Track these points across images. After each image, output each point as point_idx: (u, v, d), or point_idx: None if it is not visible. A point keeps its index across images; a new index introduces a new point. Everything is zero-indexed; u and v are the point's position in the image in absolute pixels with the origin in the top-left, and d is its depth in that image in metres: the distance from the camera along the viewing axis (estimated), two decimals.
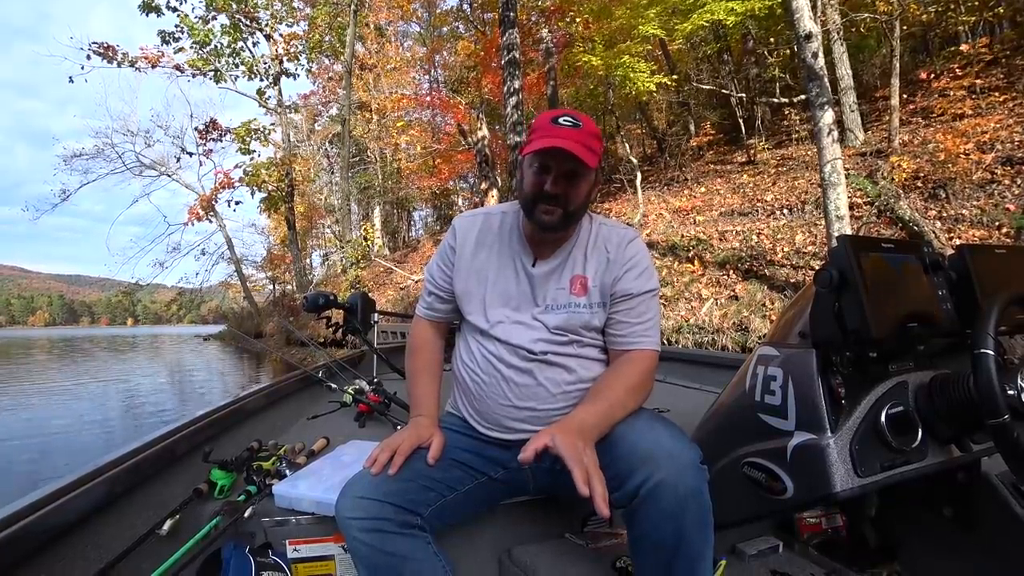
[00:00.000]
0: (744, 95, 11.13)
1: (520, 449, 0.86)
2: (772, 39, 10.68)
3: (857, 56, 10.17)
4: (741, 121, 10.60)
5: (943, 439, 0.89)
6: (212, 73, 15.28)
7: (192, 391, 10.35)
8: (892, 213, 6.13)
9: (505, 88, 8.33)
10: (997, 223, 5.37)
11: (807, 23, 5.51)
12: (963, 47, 7.79)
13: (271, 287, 25.54)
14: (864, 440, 0.83)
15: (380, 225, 20.19)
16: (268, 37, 15.91)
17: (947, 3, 8.23)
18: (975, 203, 5.75)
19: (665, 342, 6.17)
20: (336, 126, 17.72)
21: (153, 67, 15.49)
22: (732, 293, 6.46)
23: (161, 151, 22.52)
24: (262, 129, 16.33)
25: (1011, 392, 0.76)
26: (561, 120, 0.99)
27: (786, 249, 6.64)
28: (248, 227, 35.78)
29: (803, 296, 0.97)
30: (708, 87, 12.01)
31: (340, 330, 2.39)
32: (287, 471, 1.23)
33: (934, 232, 5.62)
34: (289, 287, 21.74)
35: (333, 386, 2.07)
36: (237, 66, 15.51)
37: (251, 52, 15.81)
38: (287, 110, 17.65)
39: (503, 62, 8.35)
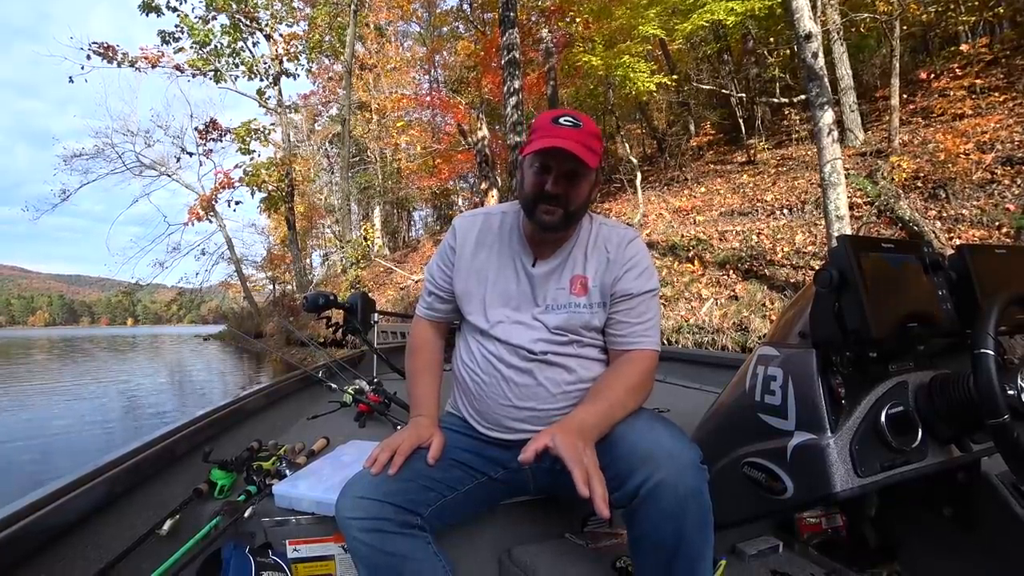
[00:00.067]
0: (744, 95, 11.12)
1: (520, 449, 0.86)
2: (772, 39, 10.68)
3: (857, 56, 10.16)
4: (741, 121, 10.60)
5: (943, 439, 0.89)
6: (212, 73, 15.28)
7: (192, 391, 10.34)
8: (892, 213, 6.13)
9: (505, 88, 8.32)
10: (997, 223, 5.37)
11: (807, 23, 5.51)
12: (963, 47, 7.80)
13: (271, 287, 25.56)
14: (864, 440, 0.83)
15: (380, 225, 20.18)
16: (268, 37, 15.91)
17: (947, 3, 8.24)
18: (975, 203, 5.75)
19: (665, 342, 6.16)
20: (336, 126, 17.71)
21: (153, 67, 15.50)
22: (732, 293, 6.46)
23: (161, 151, 22.63)
24: (262, 129, 16.34)
25: (1011, 392, 0.76)
26: (561, 120, 0.99)
27: (786, 249, 6.64)
28: (248, 227, 35.89)
29: (803, 296, 0.97)
30: (708, 87, 12.00)
31: (340, 330, 2.38)
32: (287, 471, 1.22)
33: (934, 232, 5.62)
34: (289, 287, 21.75)
35: (333, 386, 2.07)
36: (237, 66, 15.53)
37: (251, 52, 15.83)
38: (287, 110, 17.65)
39: (503, 62, 8.34)
